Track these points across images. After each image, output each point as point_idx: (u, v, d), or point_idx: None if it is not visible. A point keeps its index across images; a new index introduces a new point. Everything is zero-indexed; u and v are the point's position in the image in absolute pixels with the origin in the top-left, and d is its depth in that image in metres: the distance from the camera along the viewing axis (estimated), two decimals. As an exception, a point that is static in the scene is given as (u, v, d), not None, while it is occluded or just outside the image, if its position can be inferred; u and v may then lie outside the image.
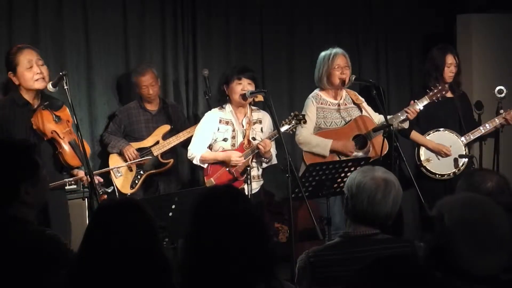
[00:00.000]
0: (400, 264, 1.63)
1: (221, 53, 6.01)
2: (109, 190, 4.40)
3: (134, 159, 5.18)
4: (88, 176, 3.94)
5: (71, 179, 4.34)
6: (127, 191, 5.21)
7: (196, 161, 4.84)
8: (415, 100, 5.07)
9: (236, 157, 4.72)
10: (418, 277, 1.61)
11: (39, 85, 4.22)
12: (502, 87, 5.37)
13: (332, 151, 4.91)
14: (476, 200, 2.04)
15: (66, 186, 4.51)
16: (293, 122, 4.76)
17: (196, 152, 4.81)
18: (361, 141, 5.03)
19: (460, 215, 1.96)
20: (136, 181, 5.24)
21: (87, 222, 4.72)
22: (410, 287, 1.60)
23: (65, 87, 4.05)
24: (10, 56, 4.27)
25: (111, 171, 5.23)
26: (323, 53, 5.06)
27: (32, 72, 4.20)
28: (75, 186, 4.83)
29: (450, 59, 5.34)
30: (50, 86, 4.19)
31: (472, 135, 5.35)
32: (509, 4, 6.49)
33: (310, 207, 4.19)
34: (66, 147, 4.22)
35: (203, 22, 5.92)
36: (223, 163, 4.79)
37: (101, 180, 4.28)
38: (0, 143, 2.74)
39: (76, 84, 5.37)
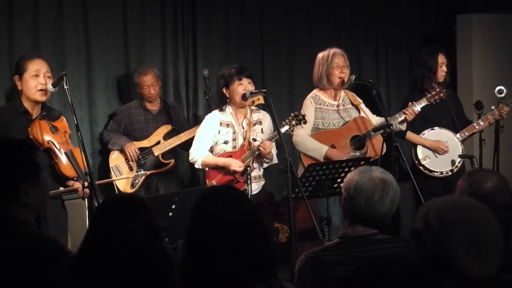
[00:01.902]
0: (396, 265, 1.63)
1: (221, 53, 6.01)
2: None
3: (134, 157, 5.20)
4: (88, 176, 3.93)
5: (65, 189, 4.32)
6: (128, 190, 5.21)
7: (197, 165, 4.83)
8: (413, 102, 5.07)
9: (236, 167, 4.70)
10: (415, 278, 1.61)
11: (40, 97, 4.21)
12: (502, 87, 5.37)
13: (326, 158, 4.87)
14: (466, 203, 2.02)
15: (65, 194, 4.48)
16: (293, 122, 4.74)
17: (198, 156, 4.79)
18: (359, 142, 5.02)
19: (452, 220, 1.94)
20: (137, 181, 5.25)
21: (87, 222, 4.74)
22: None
23: (65, 87, 4.05)
24: (20, 61, 4.27)
25: (111, 170, 5.24)
26: (321, 54, 5.03)
27: (36, 82, 4.18)
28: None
29: (441, 59, 5.36)
30: (50, 86, 4.19)
31: (467, 132, 5.36)
32: (509, 4, 6.50)
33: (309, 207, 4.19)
34: (62, 157, 4.21)
35: (203, 22, 5.92)
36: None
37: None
38: (0, 142, 2.73)
39: (76, 84, 5.37)
